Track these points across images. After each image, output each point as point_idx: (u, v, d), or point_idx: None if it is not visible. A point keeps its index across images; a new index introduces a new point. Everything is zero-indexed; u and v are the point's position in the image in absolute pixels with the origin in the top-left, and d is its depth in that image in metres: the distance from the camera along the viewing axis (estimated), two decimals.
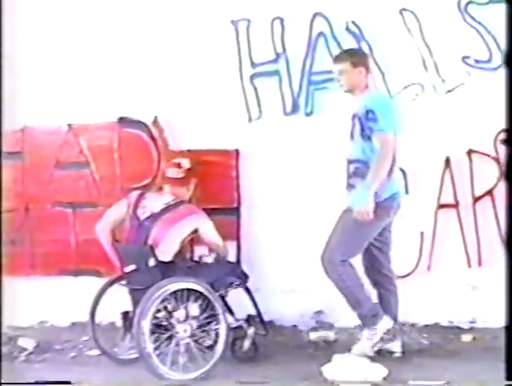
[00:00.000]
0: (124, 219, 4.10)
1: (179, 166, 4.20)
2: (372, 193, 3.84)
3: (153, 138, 4.65)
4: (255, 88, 4.60)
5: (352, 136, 4.04)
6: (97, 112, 4.72)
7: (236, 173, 4.58)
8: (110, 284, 4.22)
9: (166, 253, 3.93)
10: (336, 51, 4.39)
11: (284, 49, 4.57)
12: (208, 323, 3.87)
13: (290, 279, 4.58)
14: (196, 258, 4.37)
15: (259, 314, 4.18)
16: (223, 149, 4.59)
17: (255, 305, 4.17)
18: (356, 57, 4.09)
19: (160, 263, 3.87)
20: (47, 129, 4.82)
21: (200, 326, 3.85)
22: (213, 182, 4.55)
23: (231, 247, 4.47)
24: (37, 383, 3.83)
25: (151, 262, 3.83)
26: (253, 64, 4.59)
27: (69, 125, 4.78)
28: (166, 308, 3.78)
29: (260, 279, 4.46)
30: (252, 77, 4.59)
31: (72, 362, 4.31)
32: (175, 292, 3.77)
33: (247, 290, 4.17)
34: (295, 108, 4.55)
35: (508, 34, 4.36)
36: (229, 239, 4.51)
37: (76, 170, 4.77)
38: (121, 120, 4.69)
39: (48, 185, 4.83)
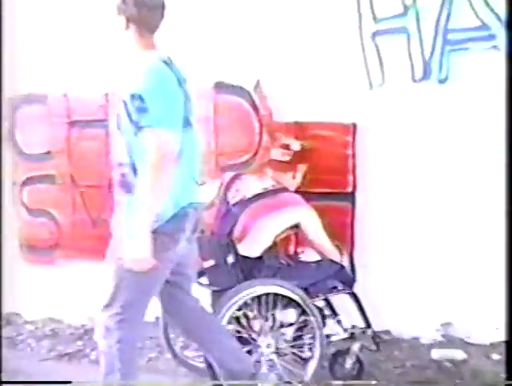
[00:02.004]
0: (214, 203, 3.99)
1: (286, 147, 3.97)
2: (145, 227, 2.78)
3: (254, 107, 4.43)
4: (377, 49, 4.25)
5: (118, 127, 3.02)
6: (191, 75, 4.60)
7: (352, 151, 4.27)
8: None
9: (253, 248, 3.62)
10: (479, 4, 4.02)
11: (414, 1, 4.21)
12: (300, 337, 3.60)
13: (412, 282, 4.23)
14: (290, 255, 4.19)
15: (368, 325, 3.79)
16: (337, 122, 4.29)
17: (363, 314, 3.78)
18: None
19: (243, 260, 3.60)
20: None
21: (289, 340, 3.55)
22: (324, 162, 4.27)
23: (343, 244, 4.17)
24: (37, 382, 3.82)
25: (230, 258, 3.58)
26: (375, 19, 4.22)
27: None
28: (246, 316, 3.53)
29: (375, 282, 4.20)
30: (374, 35, 4.27)
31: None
32: (258, 297, 3.51)
33: (353, 296, 3.77)
34: (427, 73, 4.16)
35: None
36: (340, 231, 4.20)
37: None
38: (218, 85, 4.45)
39: None
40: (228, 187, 3.90)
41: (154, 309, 4.25)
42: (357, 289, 4.09)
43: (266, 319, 3.52)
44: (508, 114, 4.00)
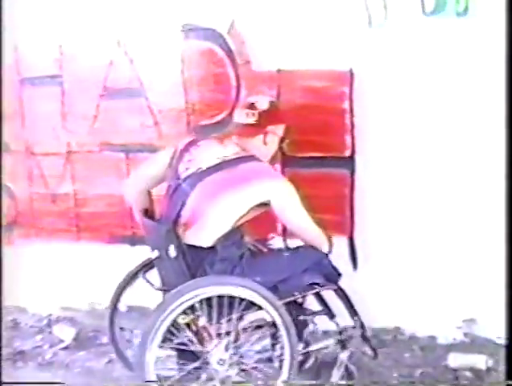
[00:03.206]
0: (164, 177, 3.15)
1: (251, 106, 3.13)
2: None
3: (229, 54, 3.70)
4: None
5: None
6: (154, 19, 3.81)
7: (349, 105, 3.51)
8: (133, 275, 3.34)
9: (205, 235, 2.87)
10: None
11: None
12: (268, 350, 2.95)
13: (428, 269, 3.54)
14: (256, 243, 3.40)
15: (362, 326, 3.10)
16: (330, 69, 3.53)
17: (354, 313, 3.08)
18: None
19: (191, 251, 2.84)
20: (91, 47, 4.01)
21: (248, 355, 2.89)
22: (314, 119, 3.54)
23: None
24: (37, 383, 3.51)
25: (172, 250, 2.82)
26: None
27: (118, 42, 3.92)
28: (192, 325, 2.81)
29: (381, 269, 3.58)
30: None
31: None
32: (209, 299, 2.79)
33: (340, 293, 3.09)
34: (440, 3, 3.35)
35: None
36: (336, 206, 3.59)
37: (128, 100, 3.93)
38: (186, 29, 3.77)
39: (94, 120, 4.10)
40: (181, 157, 3.04)
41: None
42: (358, 278, 3.57)
43: (219, 328, 2.79)
44: None
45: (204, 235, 2.85)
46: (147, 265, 3.27)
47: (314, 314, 3.18)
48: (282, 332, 2.82)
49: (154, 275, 3.13)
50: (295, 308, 3.05)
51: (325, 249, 3.07)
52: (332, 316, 3.19)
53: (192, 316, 2.79)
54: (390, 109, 3.50)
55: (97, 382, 3.58)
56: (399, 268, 3.58)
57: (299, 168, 3.61)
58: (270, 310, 2.82)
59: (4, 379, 3.50)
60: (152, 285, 3.12)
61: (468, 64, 3.35)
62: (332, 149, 3.60)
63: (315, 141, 3.59)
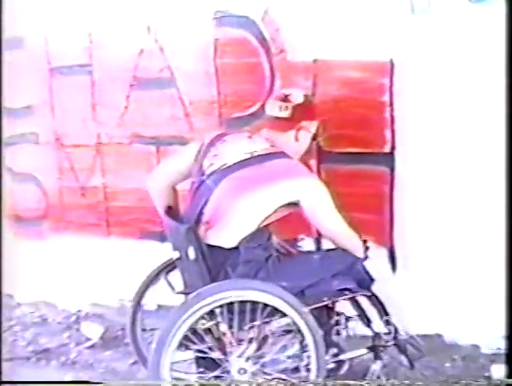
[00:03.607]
0: (190, 173, 2.98)
1: (285, 98, 2.95)
2: None
3: (263, 43, 3.50)
4: None
5: None
6: (186, 5, 3.66)
7: (389, 98, 3.26)
8: (156, 275, 3.23)
9: (228, 235, 2.71)
10: None
11: None
12: (294, 358, 2.75)
13: (473, 273, 3.27)
14: (285, 243, 3.21)
15: (395, 337, 2.91)
16: (369, 60, 3.29)
17: (387, 322, 2.90)
18: None
19: (212, 253, 2.68)
20: (121, 35, 3.90)
21: (272, 364, 2.69)
22: (352, 112, 3.33)
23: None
24: (37, 382, 3.46)
25: (191, 252, 2.66)
26: None
27: (148, 29, 3.81)
28: (212, 331, 2.65)
29: (423, 272, 3.35)
30: None
31: None
32: (230, 305, 2.62)
33: (374, 299, 2.91)
34: None
35: None
36: (375, 206, 3.38)
37: (159, 91, 3.79)
38: (219, 16, 3.60)
39: (124, 112, 3.97)
40: (206, 151, 2.87)
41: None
42: (396, 281, 3.36)
43: (240, 335, 2.62)
44: None
45: (226, 235, 2.70)
46: (170, 265, 3.15)
47: (347, 319, 2.98)
48: (309, 340, 2.65)
49: (177, 275, 2.99)
50: (326, 313, 2.87)
51: (359, 254, 2.89)
52: (368, 322, 3.00)
53: (212, 321, 2.62)
54: (432, 103, 3.23)
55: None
56: (441, 271, 3.33)
57: (335, 164, 3.43)
58: (295, 317, 2.65)
59: (4, 379, 3.41)
60: (173, 287, 3.03)
61: None
62: (370, 144, 3.37)
63: (353, 135, 3.38)
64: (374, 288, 3.01)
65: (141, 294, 3.27)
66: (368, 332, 3.04)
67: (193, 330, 2.65)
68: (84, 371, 3.64)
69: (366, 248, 2.96)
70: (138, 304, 3.27)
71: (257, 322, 2.64)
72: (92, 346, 3.91)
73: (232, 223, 2.71)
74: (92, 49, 3.99)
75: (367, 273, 2.92)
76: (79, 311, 4.29)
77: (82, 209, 4.22)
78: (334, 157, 3.44)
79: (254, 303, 2.64)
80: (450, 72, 3.21)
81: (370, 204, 3.41)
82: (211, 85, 3.68)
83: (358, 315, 3.03)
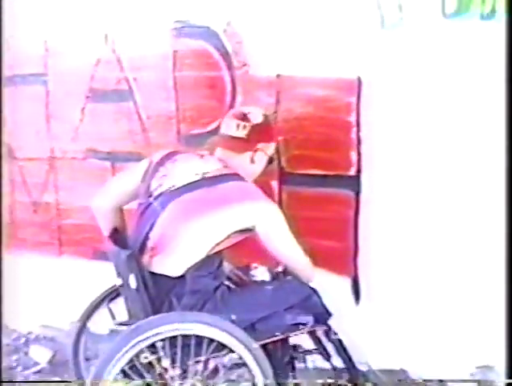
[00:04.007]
0: (137, 193, 2.78)
1: (244, 117, 2.75)
2: None
3: (225, 56, 3.29)
4: None
5: None
6: (145, 15, 3.45)
7: (356, 116, 3.06)
8: (98, 304, 3.01)
9: (174, 263, 2.51)
10: None
11: None
12: None
13: (442, 305, 3.07)
14: (238, 271, 3.02)
15: (352, 373, 2.78)
16: (336, 77, 3.09)
17: (347, 359, 2.76)
18: None
19: (157, 281, 2.50)
20: (78, 43, 3.67)
21: None
22: (317, 132, 3.13)
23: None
24: (37, 381, 3.45)
25: (132, 281, 2.47)
26: None
27: (105, 37, 3.59)
28: (155, 365, 2.41)
29: (387, 304, 3.15)
30: None
31: None
32: (173, 338, 2.41)
33: (331, 334, 2.75)
34: (463, 4, 2.85)
35: None
36: (338, 231, 3.18)
37: (115, 104, 3.58)
38: (179, 26, 3.37)
39: (79, 125, 3.74)
40: (155, 171, 2.68)
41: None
42: (359, 314, 3.18)
43: (184, 370, 2.41)
44: None
45: (172, 262, 2.50)
46: (114, 292, 2.94)
47: (305, 352, 2.81)
48: (258, 378, 2.42)
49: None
50: (280, 348, 2.66)
51: (310, 281, 2.74)
52: (327, 356, 2.82)
53: (153, 356, 2.37)
54: (402, 124, 3.03)
55: None
56: (407, 304, 3.11)
57: (298, 186, 3.22)
58: (244, 353, 2.42)
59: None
60: (113, 317, 2.83)
61: (493, 73, 2.83)
62: (335, 166, 3.16)
63: (317, 156, 3.18)
64: (336, 320, 2.80)
65: (84, 320, 3.03)
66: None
67: (132, 365, 2.41)
68: None
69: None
70: (82, 328, 3.03)
71: (202, 358, 2.41)
72: (39, 372, 3.71)
73: (178, 250, 2.51)
74: (48, 57, 3.74)
75: (324, 306, 2.72)
76: (29, 333, 4.05)
77: (34, 226, 3.96)
78: (296, 178, 3.24)
79: (199, 337, 2.43)
80: (421, 90, 3.01)
81: (334, 230, 3.18)
82: (169, 99, 3.45)
83: (316, 349, 2.84)
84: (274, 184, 3.28)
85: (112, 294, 3.00)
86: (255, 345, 2.46)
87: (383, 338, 3.24)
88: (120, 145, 3.66)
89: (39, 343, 3.97)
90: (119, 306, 2.94)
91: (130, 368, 2.41)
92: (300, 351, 2.85)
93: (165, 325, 2.38)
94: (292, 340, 2.80)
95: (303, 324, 2.66)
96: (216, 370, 2.56)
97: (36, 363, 3.79)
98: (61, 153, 3.85)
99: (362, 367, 3.12)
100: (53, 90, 3.81)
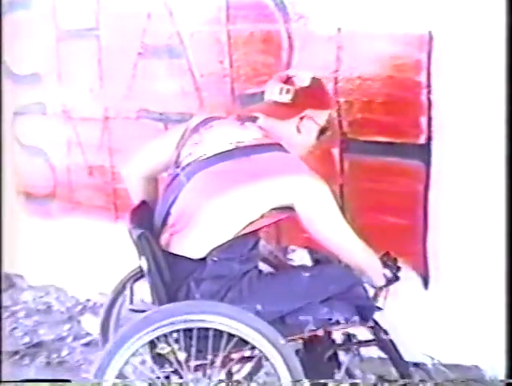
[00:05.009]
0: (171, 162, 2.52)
1: (288, 80, 2.42)
2: None
3: (281, 7, 2.91)
4: None
5: None
6: None
7: (426, 76, 2.67)
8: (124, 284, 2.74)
9: (194, 243, 2.22)
10: None
11: None
12: None
13: None
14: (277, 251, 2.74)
15: (403, 375, 2.39)
16: (403, 31, 2.71)
17: (399, 363, 2.39)
18: None
19: (175, 262, 2.22)
20: None
21: None
22: (381, 94, 2.76)
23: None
24: (37, 380, 3.07)
25: (143, 263, 2.23)
26: None
27: None
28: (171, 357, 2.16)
29: (458, 290, 2.79)
30: None
31: None
32: (189, 331, 2.14)
33: (379, 333, 2.38)
34: None
35: None
36: (406, 208, 2.83)
37: (168, 60, 3.33)
38: None
39: (131, 83, 3.52)
40: (188, 138, 2.39)
41: None
42: (428, 299, 2.85)
43: (202, 363, 2.14)
44: None
45: (193, 242, 2.21)
46: (139, 273, 2.62)
47: (359, 344, 2.47)
48: (284, 378, 2.10)
49: None
50: (319, 342, 2.34)
51: (378, 280, 2.34)
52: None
53: (169, 348, 2.12)
54: (478, 84, 2.61)
55: None
56: (482, 287, 2.73)
57: (361, 154, 2.86)
58: (268, 350, 2.12)
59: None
60: (131, 301, 2.46)
61: None
62: (402, 133, 2.78)
63: (383, 121, 2.81)
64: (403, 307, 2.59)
65: (116, 296, 2.78)
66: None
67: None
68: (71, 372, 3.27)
69: (396, 269, 2.40)
70: (114, 302, 2.80)
71: (221, 353, 2.12)
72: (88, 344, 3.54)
73: (200, 229, 2.21)
74: (99, 11, 3.53)
75: (369, 298, 2.36)
76: (88, 301, 3.94)
77: (90, 189, 3.82)
78: (360, 146, 2.88)
79: (218, 331, 2.13)
80: (498, 44, 2.56)
81: (401, 205, 2.81)
82: (222, 55, 3.14)
83: (374, 340, 2.46)
84: (335, 152, 2.92)
85: (137, 275, 2.67)
86: (282, 341, 2.15)
87: (454, 328, 2.84)
88: (172, 106, 3.41)
89: (94, 313, 3.80)
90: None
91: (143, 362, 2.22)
92: (354, 341, 2.48)
93: (175, 316, 2.10)
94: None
95: (340, 320, 2.29)
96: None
97: (88, 334, 3.62)
98: (115, 113, 3.64)
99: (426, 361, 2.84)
100: (105, 45, 3.60)
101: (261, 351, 2.15)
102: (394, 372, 2.51)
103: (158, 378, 2.20)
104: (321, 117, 2.43)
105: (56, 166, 4.03)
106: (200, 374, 2.19)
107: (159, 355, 2.16)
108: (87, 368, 3.28)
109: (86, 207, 3.91)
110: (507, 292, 2.67)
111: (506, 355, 2.63)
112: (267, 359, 2.18)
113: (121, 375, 2.15)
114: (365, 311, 2.35)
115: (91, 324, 3.70)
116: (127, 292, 2.58)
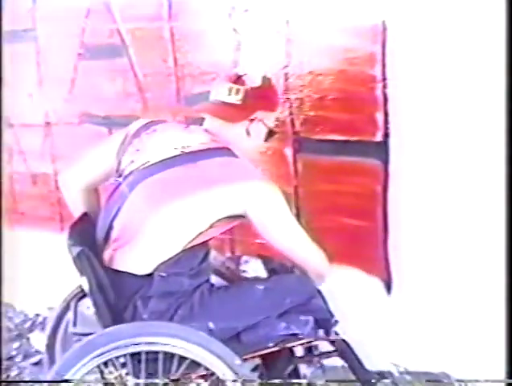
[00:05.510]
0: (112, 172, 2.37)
1: (238, 80, 2.30)
2: None
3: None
4: None
5: None
6: None
7: (381, 70, 2.52)
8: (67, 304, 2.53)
9: (140, 258, 2.08)
10: None
11: None
12: None
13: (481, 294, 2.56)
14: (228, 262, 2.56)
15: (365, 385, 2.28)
16: (356, 22, 2.57)
17: (356, 372, 2.25)
18: None
19: (118, 280, 2.07)
20: None
21: None
22: (334, 89, 2.60)
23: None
24: (37, 381, 3.08)
25: (83, 283, 2.07)
26: None
27: None
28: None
29: (423, 295, 2.67)
30: None
31: None
32: (135, 354, 1.99)
33: (340, 345, 2.27)
34: None
35: None
36: (363, 211, 2.71)
37: (109, 61, 3.15)
38: None
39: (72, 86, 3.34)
40: (128, 145, 2.24)
41: None
42: (391, 306, 2.74)
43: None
44: None
45: (138, 258, 2.06)
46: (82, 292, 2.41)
47: (321, 355, 2.33)
48: None
49: None
50: (279, 358, 2.19)
51: (323, 279, 2.26)
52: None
53: (116, 373, 1.99)
54: (436, 77, 2.47)
55: None
56: (446, 292, 2.61)
57: (315, 154, 2.71)
58: (225, 373, 1.97)
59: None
60: (74, 323, 2.28)
61: None
62: (357, 130, 2.64)
63: (336, 119, 2.66)
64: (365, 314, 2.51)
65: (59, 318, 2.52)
66: None
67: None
68: None
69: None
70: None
71: (172, 376, 1.99)
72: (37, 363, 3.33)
73: (145, 243, 2.07)
74: (35, 10, 3.33)
75: (329, 310, 2.21)
76: (37, 315, 3.73)
77: (34, 200, 3.62)
78: (313, 145, 2.72)
79: (167, 354, 1.99)
80: (458, 34, 2.43)
81: (358, 206, 2.67)
82: (166, 53, 2.95)
83: (335, 350, 2.33)
84: (288, 152, 2.77)
85: (81, 293, 2.39)
86: (238, 361, 2.00)
87: (419, 334, 2.72)
88: (116, 108, 3.21)
89: (44, 329, 3.45)
90: None
91: None
92: (316, 353, 2.34)
93: (120, 340, 1.95)
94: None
95: (295, 335, 2.15)
96: None
97: (38, 352, 3.39)
98: (56, 119, 3.45)
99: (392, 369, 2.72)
100: (43, 47, 3.38)
101: (216, 374, 2.01)
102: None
103: None
104: (271, 118, 2.33)
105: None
106: None
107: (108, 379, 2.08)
108: None
109: (31, 218, 3.71)
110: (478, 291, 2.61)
111: (506, 355, 2.45)
112: (223, 383, 2.04)
113: None
114: (324, 324, 2.21)
115: (41, 341, 3.62)
116: (70, 313, 2.39)
